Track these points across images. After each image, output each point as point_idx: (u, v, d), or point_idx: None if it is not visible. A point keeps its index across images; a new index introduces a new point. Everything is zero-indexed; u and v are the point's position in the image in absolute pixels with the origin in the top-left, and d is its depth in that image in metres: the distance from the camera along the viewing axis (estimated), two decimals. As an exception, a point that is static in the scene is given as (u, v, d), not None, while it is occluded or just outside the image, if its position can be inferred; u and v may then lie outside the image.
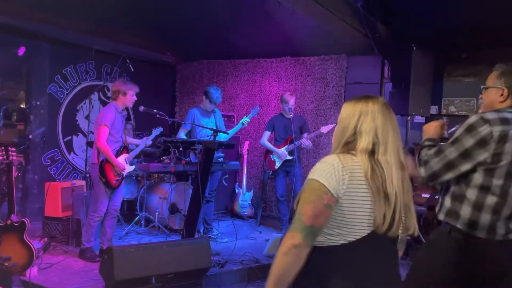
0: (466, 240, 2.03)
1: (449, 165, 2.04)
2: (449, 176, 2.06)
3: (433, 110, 5.58)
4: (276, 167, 5.48)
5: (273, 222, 6.17)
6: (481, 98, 2.24)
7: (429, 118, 5.54)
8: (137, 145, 4.89)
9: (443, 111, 5.57)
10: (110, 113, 4.16)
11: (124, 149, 4.38)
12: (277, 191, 5.53)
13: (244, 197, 6.31)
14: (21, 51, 5.54)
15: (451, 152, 2.04)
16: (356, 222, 1.45)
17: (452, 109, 5.55)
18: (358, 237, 1.45)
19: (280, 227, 5.60)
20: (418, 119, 5.65)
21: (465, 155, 2.00)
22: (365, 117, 1.54)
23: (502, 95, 2.10)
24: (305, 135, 5.39)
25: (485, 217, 2.00)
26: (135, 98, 4.38)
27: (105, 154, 4.12)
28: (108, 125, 4.11)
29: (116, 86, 4.28)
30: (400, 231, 1.51)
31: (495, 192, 1.99)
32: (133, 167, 4.50)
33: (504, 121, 1.99)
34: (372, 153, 1.50)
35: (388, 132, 1.53)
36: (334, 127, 5.45)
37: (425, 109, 5.28)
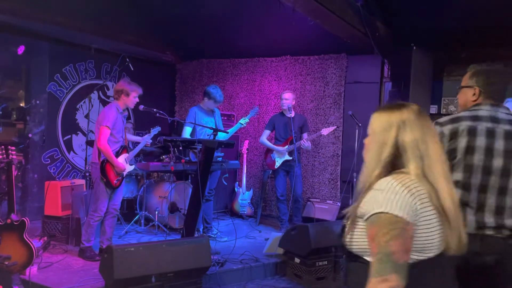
0: None
1: None
2: None
3: (433, 109, 5.58)
4: (276, 167, 5.48)
5: (272, 221, 6.18)
6: (458, 98, 2.33)
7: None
8: (137, 143, 4.87)
9: (443, 111, 5.58)
10: (112, 114, 4.15)
11: (124, 149, 4.37)
12: (277, 190, 5.54)
13: (244, 196, 6.32)
14: (21, 50, 5.54)
15: None
16: (427, 245, 1.36)
17: (452, 108, 5.56)
18: (424, 259, 1.36)
19: (279, 226, 5.60)
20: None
21: None
22: (403, 130, 1.41)
23: (474, 94, 2.19)
24: (305, 135, 5.40)
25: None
26: (137, 100, 4.34)
27: (106, 155, 4.12)
28: (110, 126, 4.11)
29: (121, 85, 4.25)
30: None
31: (458, 187, 2.09)
32: (133, 167, 4.51)
33: (456, 120, 2.13)
34: (421, 169, 1.39)
35: (428, 143, 1.41)
36: (334, 129, 5.48)
37: (425, 109, 5.29)
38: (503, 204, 2.05)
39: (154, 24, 5.85)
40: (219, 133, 4.83)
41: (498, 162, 2.05)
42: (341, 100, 6.10)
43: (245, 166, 6.34)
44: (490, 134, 2.07)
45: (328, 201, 6.00)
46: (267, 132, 5.60)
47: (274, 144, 5.56)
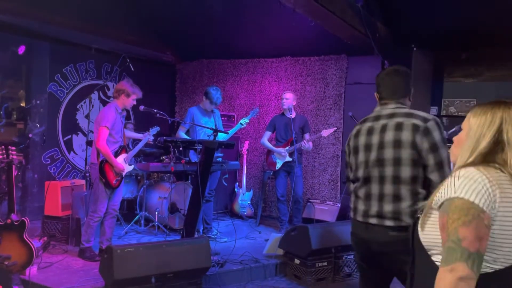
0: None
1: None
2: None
3: (433, 110, 5.59)
4: (277, 168, 5.48)
5: (272, 222, 6.18)
6: None
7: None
8: (137, 141, 4.84)
9: (443, 112, 5.58)
10: (111, 114, 4.15)
11: (123, 149, 4.38)
12: (277, 190, 5.54)
13: (244, 197, 6.32)
14: (21, 50, 5.54)
15: None
16: (506, 246, 1.25)
17: (452, 109, 5.56)
18: (508, 265, 1.25)
19: (279, 227, 5.60)
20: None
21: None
22: (510, 125, 1.33)
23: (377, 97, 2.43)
24: (306, 136, 5.40)
25: (351, 200, 2.38)
26: (135, 102, 4.38)
27: (105, 155, 4.12)
28: (109, 126, 4.11)
29: (123, 85, 4.26)
30: None
31: (351, 179, 2.41)
32: (132, 167, 4.50)
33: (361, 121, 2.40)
34: None
35: None
36: (334, 131, 5.48)
37: (425, 110, 5.27)
38: (383, 192, 2.20)
39: (155, 24, 5.85)
40: (219, 134, 4.83)
41: (373, 155, 2.24)
42: (341, 101, 6.10)
43: (245, 167, 6.34)
44: (369, 131, 2.30)
45: (328, 202, 6.00)
46: (268, 133, 5.61)
47: (275, 145, 5.56)
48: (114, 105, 4.24)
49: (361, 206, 2.27)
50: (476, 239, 1.21)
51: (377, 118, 2.31)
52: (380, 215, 2.17)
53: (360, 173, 2.30)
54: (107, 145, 4.12)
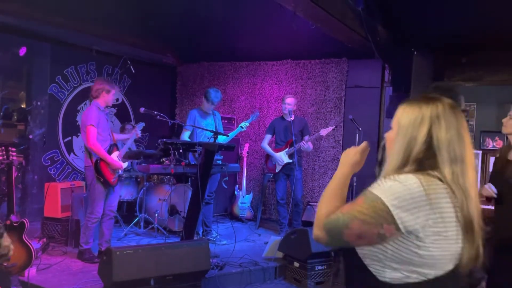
0: None
1: None
2: None
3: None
4: (277, 171, 5.48)
5: (272, 225, 6.17)
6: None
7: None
8: (126, 140, 4.80)
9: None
10: (93, 113, 4.18)
11: (114, 147, 4.39)
12: (277, 193, 5.53)
13: (244, 200, 6.31)
14: (22, 51, 5.54)
15: None
16: (439, 259, 1.21)
17: (452, 113, 5.55)
18: (439, 274, 1.21)
19: (279, 230, 5.59)
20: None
21: None
22: (438, 126, 1.24)
23: None
24: (306, 137, 5.40)
25: None
26: (115, 98, 4.45)
27: (98, 153, 4.13)
28: (95, 124, 4.12)
29: (101, 83, 4.30)
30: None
31: None
32: (126, 164, 4.50)
33: None
34: (454, 175, 1.22)
35: (464, 144, 1.24)
36: (333, 129, 5.48)
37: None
38: None
39: (156, 26, 5.86)
40: (219, 136, 4.83)
41: None
42: (342, 104, 6.11)
43: (245, 169, 6.34)
44: None
45: (328, 205, 5.98)
46: (268, 137, 5.61)
47: (274, 147, 5.56)
48: (95, 104, 4.26)
49: None
50: (356, 236, 1.19)
51: None
52: None
53: None
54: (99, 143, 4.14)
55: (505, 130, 2.75)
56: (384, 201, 1.17)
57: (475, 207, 1.23)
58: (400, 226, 1.16)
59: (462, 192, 1.21)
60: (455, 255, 1.23)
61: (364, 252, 1.26)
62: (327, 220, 1.24)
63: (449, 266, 1.23)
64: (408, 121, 1.27)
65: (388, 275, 1.22)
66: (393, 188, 1.18)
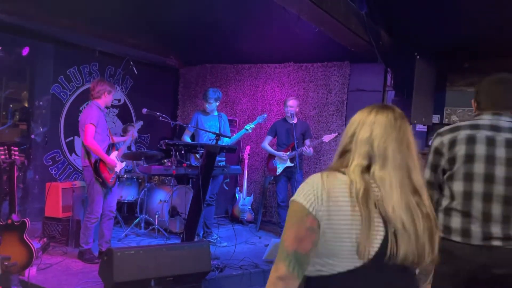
0: (445, 245, 2.00)
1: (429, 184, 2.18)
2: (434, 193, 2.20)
3: (435, 119, 5.58)
4: (277, 173, 5.48)
5: (273, 227, 6.16)
6: None
7: (431, 127, 5.55)
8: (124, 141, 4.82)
9: (445, 120, 5.58)
10: (94, 112, 4.19)
11: (113, 147, 4.41)
12: (278, 196, 5.53)
13: (244, 202, 6.31)
14: (25, 51, 5.56)
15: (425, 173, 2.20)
16: (343, 251, 1.24)
17: (454, 118, 5.55)
18: (349, 268, 1.24)
19: (279, 233, 5.59)
20: (420, 128, 5.66)
21: (431, 167, 2.20)
22: (362, 126, 1.37)
23: (474, 105, 2.27)
24: (308, 141, 5.40)
25: (456, 221, 2.06)
26: (112, 99, 4.51)
27: (95, 152, 4.13)
28: (94, 123, 4.12)
29: (102, 84, 4.33)
30: (416, 260, 1.28)
31: (457, 196, 2.08)
32: (124, 164, 4.51)
33: (454, 129, 2.14)
34: (367, 169, 1.30)
35: (388, 144, 1.31)
36: (336, 136, 5.48)
37: (427, 118, 5.29)
38: (509, 214, 1.99)
39: (159, 28, 5.87)
40: (224, 138, 4.84)
41: (500, 170, 2.01)
42: (344, 108, 6.11)
43: (246, 172, 6.34)
44: (490, 142, 2.04)
45: (328, 209, 5.98)
46: (269, 138, 5.61)
47: (275, 150, 5.56)
48: (96, 103, 4.27)
49: (477, 228, 2.01)
50: (295, 240, 1.25)
51: (496, 128, 2.06)
52: (508, 237, 1.99)
53: (478, 188, 2.03)
54: (96, 143, 4.14)
55: None
56: (296, 200, 1.30)
57: (400, 201, 1.25)
58: (314, 213, 1.25)
59: (378, 186, 1.27)
60: (354, 249, 1.24)
61: None
62: (277, 258, 1.29)
63: (355, 263, 1.24)
64: (350, 122, 1.44)
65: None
66: (301, 188, 1.32)
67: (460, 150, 2.07)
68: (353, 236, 1.24)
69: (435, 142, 2.17)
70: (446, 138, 2.13)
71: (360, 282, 1.25)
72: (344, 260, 1.25)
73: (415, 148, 1.35)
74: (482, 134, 2.06)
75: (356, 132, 1.37)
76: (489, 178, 2.01)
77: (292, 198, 1.32)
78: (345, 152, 1.39)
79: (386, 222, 1.25)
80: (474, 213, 2.03)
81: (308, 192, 1.28)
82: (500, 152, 2.02)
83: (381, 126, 1.34)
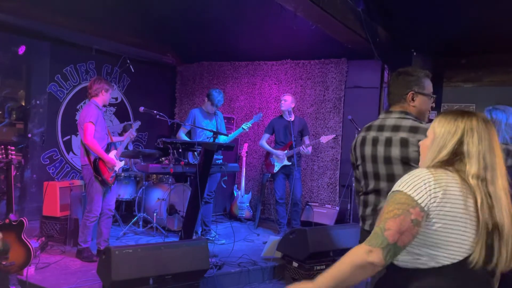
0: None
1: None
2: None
3: (432, 115, 5.59)
4: (275, 170, 5.48)
5: (271, 224, 6.17)
6: None
7: (427, 123, 5.56)
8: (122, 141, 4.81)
9: (442, 116, 5.59)
10: (93, 110, 4.19)
11: (112, 146, 4.41)
12: (276, 193, 5.54)
13: (243, 199, 6.32)
14: (22, 50, 5.54)
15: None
16: (450, 244, 1.30)
17: (451, 114, 5.57)
18: (450, 262, 1.30)
19: (278, 230, 5.60)
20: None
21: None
22: (471, 137, 1.36)
23: None
24: (306, 140, 5.41)
25: (360, 209, 2.27)
26: (111, 96, 4.52)
27: (94, 150, 4.13)
28: (94, 122, 4.12)
29: (99, 82, 4.32)
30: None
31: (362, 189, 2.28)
32: (123, 162, 4.50)
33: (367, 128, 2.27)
34: (482, 180, 1.33)
35: (494, 156, 1.36)
36: (333, 137, 5.49)
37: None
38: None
39: (155, 26, 5.86)
40: (220, 136, 4.83)
41: (382, 168, 2.14)
42: (341, 105, 6.11)
43: (244, 169, 6.34)
44: (375, 142, 2.18)
45: (326, 206, 6.00)
46: (266, 136, 5.61)
47: (274, 147, 5.56)
48: (94, 102, 4.27)
49: (370, 217, 2.18)
50: (397, 232, 1.28)
51: (381, 128, 2.19)
52: None
53: (371, 184, 2.20)
54: (96, 141, 4.14)
55: None
56: (402, 190, 1.32)
57: (505, 211, 1.32)
58: (423, 205, 1.28)
59: (491, 198, 1.31)
60: (463, 246, 1.30)
61: None
62: (369, 241, 1.32)
63: (457, 257, 1.30)
64: (443, 132, 1.41)
65: (401, 258, 1.35)
66: (406, 179, 1.34)
67: (357, 151, 2.28)
68: (464, 232, 1.29)
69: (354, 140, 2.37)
70: (355, 140, 2.33)
71: (456, 277, 1.30)
72: (449, 253, 1.30)
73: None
74: (370, 136, 2.22)
75: (463, 142, 1.37)
76: (376, 176, 2.17)
77: (397, 189, 1.34)
78: (445, 161, 1.38)
79: (497, 231, 1.31)
80: (369, 206, 2.21)
81: (419, 185, 1.30)
82: (380, 151, 2.14)
83: (487, 137, 1.38)
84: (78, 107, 6.24)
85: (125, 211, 5.90)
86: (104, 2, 4.88)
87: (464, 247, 1.30)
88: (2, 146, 3.67)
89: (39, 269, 3.86)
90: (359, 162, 2.26)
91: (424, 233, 1.30)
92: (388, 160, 2.11)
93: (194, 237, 4.40)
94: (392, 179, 2.08)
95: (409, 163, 2.05)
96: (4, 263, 3.24)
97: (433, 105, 2.27)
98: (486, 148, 1.35)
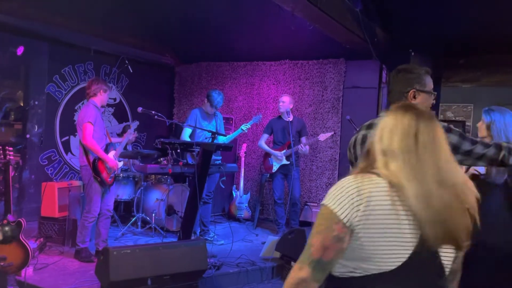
0: None
1: None
2: None
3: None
4: (273, 171, 5.49)
5: (269, 224, 6.17)
6: None
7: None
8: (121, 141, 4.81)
9: (440, 116, 5.61)
10: (91, 111, 4.18)
11: (111, 146, 4.41)
12: (274, 193, 5.54)
13: (241, 200, 6.32)
14: (20, 50, 5.53)
15: None
16: (380, 256, 1.24)
17: (449, 114, 5.58)
18: (383, 271, 1.25)
19: (276, 230, 5.60)
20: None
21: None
22: (391, 134, 1.32)
23: None
24: (304, 139, 5.41)
25: None
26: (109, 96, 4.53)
27: (94, 151, 4.12)
28: (92, 122, 4.12)
29: (97, 83, 4.32)
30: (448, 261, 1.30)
31: None
32: (121, 163, 4.50)
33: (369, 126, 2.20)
34: (401, 170, 1.27)
35: (425, 147, 1.29)
36: (331, 135, 5.50)
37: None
38: None
39: (154, 26, 5.86)
40: (219, 137, 4.83)
41: None
42: (339, 105, 6.12)
43: (242, 169, 6.35)
44: (364, 141, 2.15)
45: (325, 206, 5.99)
46: (265, 136, 5.61)
47: (272, 148, 5.57)
48: (93, 102, 4.27)
49: None
50: (321, 248, 1.26)
51: (371, 126, 2.18)
52: None
53: None
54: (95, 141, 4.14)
55: (480, 134, 2.80)
56: (326, 205, 1.27)
57: (440, 198, 1.24)
58: (345, 220, 1.23)
59: (417, 186, 1.23)
60: (398, 253, 1.23)
61: None
62: (300, 258, 1.31)
63: (392, 265, 1.24)
64: (382, 126, 1.36)
65: (337, 269, 1.31)
66: (333, 192, 1.28)
67: (357, 150, 2.25)
68: (394, 239, 1.23)
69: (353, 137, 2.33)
70: (354, 138, 2.31)
71: (391, 284, 1.26)
72: (380, 263, 1.24)
73: None
74: (372, 134, 2.16)
75: (392, 138, 1.32)
76: None
77: (323, 202, 1.29)
78: (372, 159, 1.32)
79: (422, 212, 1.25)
80: None
81: (342, 199, 1.25)
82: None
83: (417, 128, 1.32)
84: (76, 108, 6.24)
85: (124, 211, 5.89)
86: (103, 3, 4.87)
87: (400, 253, 1.23)
88: (0, 147, 3.67)
89: (37, 269, 3.86)
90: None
91: (351, 247, 1.26)
92: None
93: (192, 237, 4.41)
94: None
95: None
96: (2, 263, 3.24)
97: (434, 101, 2.26)
98: (409, 143, 1.28)
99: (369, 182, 1.26)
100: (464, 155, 2.02)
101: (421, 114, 1.35)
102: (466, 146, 2.02)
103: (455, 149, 1.99)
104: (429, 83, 2.21)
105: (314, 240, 1.28)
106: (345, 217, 1.23)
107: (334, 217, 1.24)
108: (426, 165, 1.28)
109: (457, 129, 2.08)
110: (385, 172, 1.26)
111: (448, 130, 2.01)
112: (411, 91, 2.15)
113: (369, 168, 1.31)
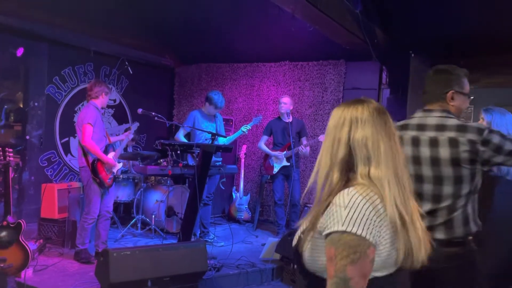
0: None
1: None
2: None
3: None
4: (273, 172, 5.48)
5: (269, 226, 6.17)
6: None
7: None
8: (121, 141, 4.81)
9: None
10: (92, 112, 4.18)
11: (110, 147, 4.41)
12: (275, 194, 5.53)
13: (241, 201, 6.31)
14: (20, 51, 5.53)
15: None
16: (389, 263, 1.26)
17: (449, 115, 5.58)
18: (389, 273, 1.28)
19: (276, 232, 5.59)
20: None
21: None
22: (355, 126, 1.29)
23: None
24: (304, 140, 5.41)
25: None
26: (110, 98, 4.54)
27: (93, 152, 4.12)
28: (92, 123, 4.11)
29: (100, 85, 4.33)
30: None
31: None
32: (121, 164, 4.50)
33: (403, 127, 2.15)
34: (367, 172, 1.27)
35: (379, 143, 1.27)
36: None
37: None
38: (436, 208, 2.02)
39: (154, 27, 5.86)
40: (219, 138, 4.83)
41: (426, 170, 2.03)
42: (339, 106, 6.11)
43: (242, 171, 6.34)
44: (415, 142, 2.07)
45: (325, 207, 5.99)
46: (265, 138, 5.61)
47: (272, 149, 5.56)
48: (93, 103, 4.27)
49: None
50: (361, 277, 1.19)
51: (422, 127, 2.10)
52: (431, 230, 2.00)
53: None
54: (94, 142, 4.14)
55: None
56: (350, 231, 1.19)
57: (399, 200, 1.24)
58: (372, 241, 1.19)
59: (378, 189, 1.24)
60: (395, 255, 1.26)
61: (318, 266, 1.28)
62: None
63: (393, 268, 1.27)
64: (333, 124, 1.33)
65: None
66: (347, 216, 1.20)
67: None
68: (392, 245, 1.25)
69: None
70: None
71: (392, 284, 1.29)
72: (384, 270, 1.26)
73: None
74: (408, 135, 2.10)
75: (351, 133, 1.29)
76: (418, 178, 2.05)
77: (343, 229, 1.19)
78: (347, 160, 1.29)
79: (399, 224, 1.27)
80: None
81: (364, 221, 1.19)
82: (425, 151, 2.03)
83: (371, 124, 1.30)
84: (76, 109, 6.23)
85: (123, 213, 5.89)
86: (103, 4, 4.87)
87: (394, 258, 1.26)
88: (0, 148, 3.66)
89: (37, 271, 3.85)
90: None
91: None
92: (435, 161, 2.00)
93: (192, 239, 4.40)
94: (439, 181, 2.00)
95: (459, 164, 1.96)
96: (1, 265, 3.23)
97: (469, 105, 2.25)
98: (369, 135, 1.27)
99: (370, 193, 1.24)
100: (507, 155, 1.97)
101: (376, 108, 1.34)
102: (509, 146, 1.97)
103: (498, 149, 1.95)
104: (467, 86, 2.20)
105: (351, 272, 1.17)
106: (372, 238, 1.19)
107: (365, 243, 1.18)
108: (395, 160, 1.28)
109: (497, 130, 2.04)
110: (363, 174, 1.26)
111: (490, 131, 1.99)
112: (449, 92, 2.13)
113: (349, 171, 1.29)
